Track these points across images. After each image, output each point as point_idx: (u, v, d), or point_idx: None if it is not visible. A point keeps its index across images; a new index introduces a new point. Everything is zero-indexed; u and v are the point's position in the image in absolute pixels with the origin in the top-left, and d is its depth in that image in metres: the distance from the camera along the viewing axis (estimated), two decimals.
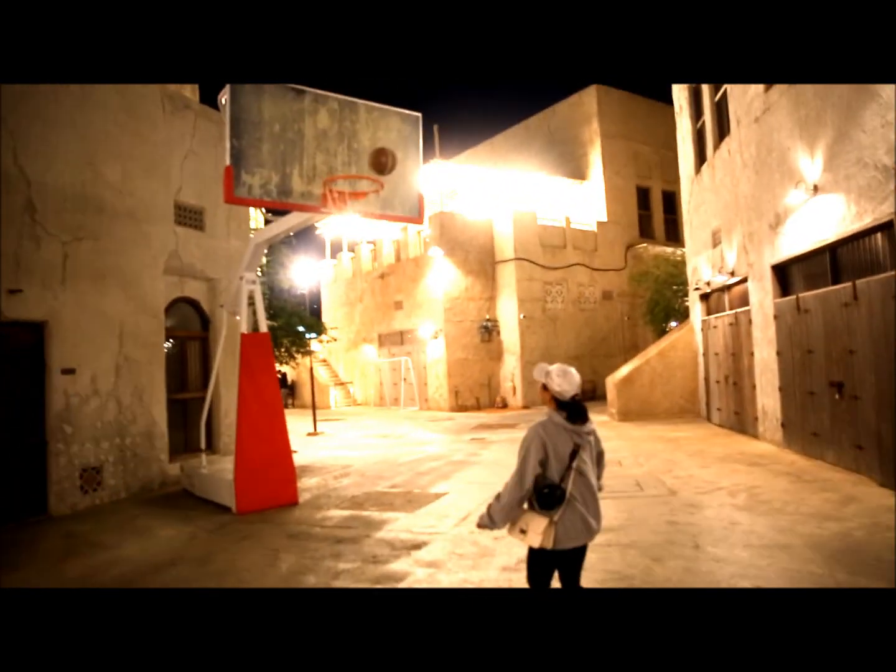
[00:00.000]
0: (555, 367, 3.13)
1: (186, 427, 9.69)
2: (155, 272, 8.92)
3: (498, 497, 3.11)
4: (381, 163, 4.92)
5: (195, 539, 6.24)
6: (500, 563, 5.00)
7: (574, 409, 3.07)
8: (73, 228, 7.69)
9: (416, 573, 4.90)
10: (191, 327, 10.12)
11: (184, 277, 9.63)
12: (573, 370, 3.13)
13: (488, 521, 3.14)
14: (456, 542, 5.67)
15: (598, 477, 3.31)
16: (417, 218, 6.58)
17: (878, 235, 6.73)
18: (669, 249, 23.02)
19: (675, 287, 18.68)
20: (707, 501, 6.55)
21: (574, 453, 3.00)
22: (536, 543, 2.99)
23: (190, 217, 9.67)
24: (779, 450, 9.18)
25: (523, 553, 5.18)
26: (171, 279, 9.37)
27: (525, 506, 3.11)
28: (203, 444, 8.46)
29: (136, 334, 8.51)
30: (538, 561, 3.14)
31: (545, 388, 3.12)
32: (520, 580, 4.59)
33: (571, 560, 3.14)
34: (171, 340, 9.61)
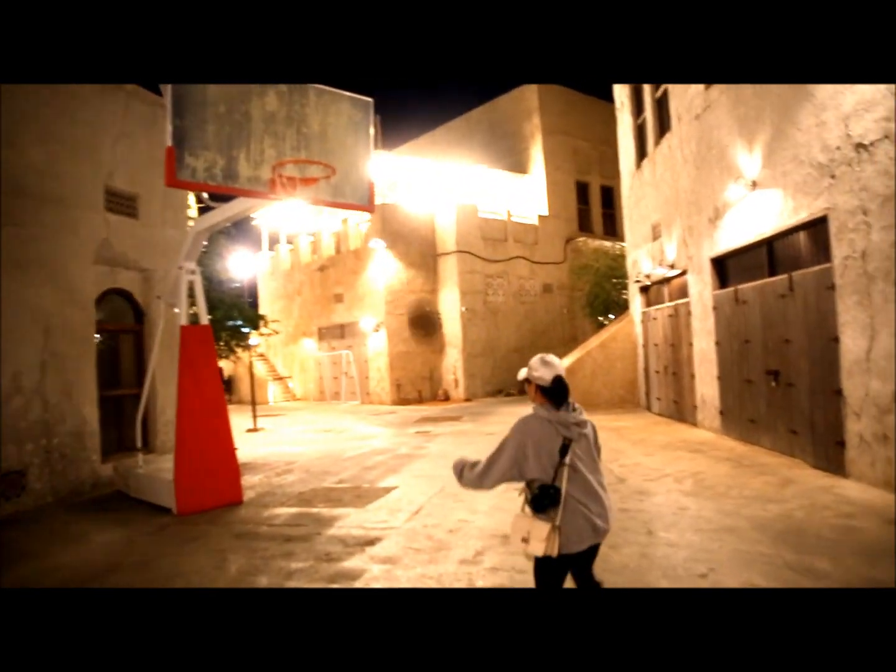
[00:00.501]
0: (534, 359, 3.01)
1: (121, 426, 9.19)
2: (84, 261, 8.40)
3: (473, 466, 2.99)
4: (430, 323, 4.48)
5: (134, 543, 5.91)
6: (457, 557, 4.94)
7: (557, 389, 2.89)
8: None
9: (371, 570, 4.78)
10: (124, 320, 9.59)
11: (116, 268, 9.10)
12: (552, 356, 3.01)
13: (458, 475, 3.05)
14: (410, 537, 5.58)
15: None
16: (368, 206, 6.42)
17: (813, 230, 7.02)
18: (608, 243, 23.56)
19: (614, 280, 19.13)
20: (655, 488, 6.69)
21: (565, 448, 2.80)
22: (540, 552, 2.75)
23: (122, 204, 9.14)
24: (717, 437, 9.51)
25: (480, 545, 5.16)
26: (102, 269, 8.84)
27: (526, 511, 2.90)
28: (139, 443, 8.04)
29: (63, 328, 7.99)
30: (545, 568, 2.90)
31: (529, 382, 2.98)
32: (479, 573, 4.55)
33: (582, 561, 2.94)
34: (102, 334, 9.08)
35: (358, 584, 4.47)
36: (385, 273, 20.50)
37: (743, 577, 4.14)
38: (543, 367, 2.94)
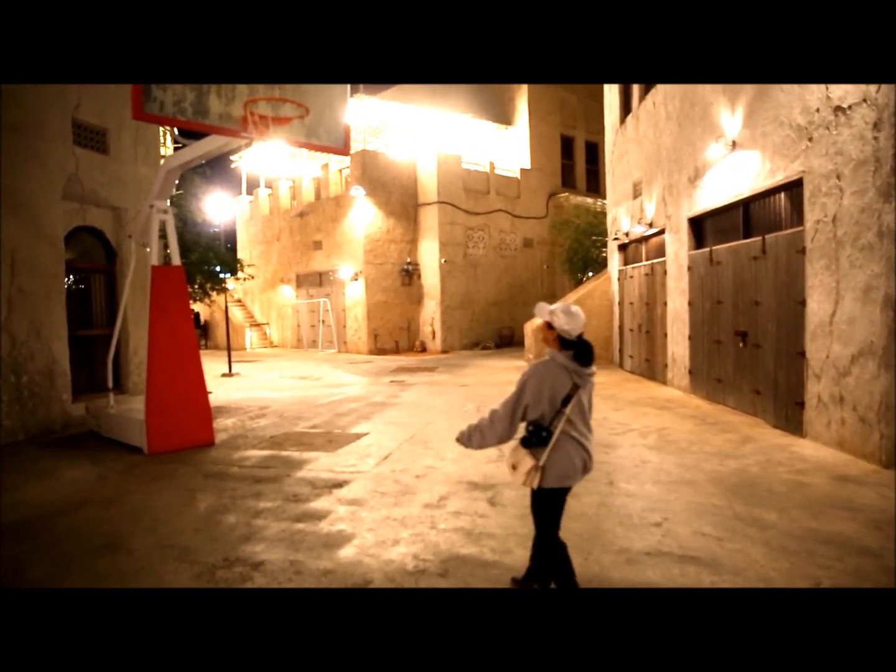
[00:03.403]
0: (558, 306, 3.01)
1: (92, 366, 9.13)
2: (51, 196, 8.17)
3: (491, 420, 3.06)
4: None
5: (104, 480, 5.95)
6: (422, 501, 5.07)
7: (583, 348, 2.97)
8: None
9: (337, 511, 4.89)
10: (95, 259, 9.43)
11: (86, 204, 8.89)
12: (577, 308, 3.02)
13: (465, 439, 3.16)
14: (377, 481, 5.69)
15: None
16: (343, 149, 6.29)
17: (789, 193, 7.05)
18: (590, 200, 23.43)
19: (594, 237, 19.10)
20: (620, 442, 6.86)
21: (569, 397, 2.93)
22: (520, 482, 3.01)
23: (91, 138, 8.87)
24: (685, 395, 9.72)
25: (445, 490, 5.29)
26: (72, 206, 8.63)
27: (515, 441, 3.09)
28: (110, 383, 8.01)
29: (30, 264, 7.82)
30: (539, 499, 3.12)
31: (549, 326, 3.01)
32: (441, 517, 4.67)
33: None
34: (73, 273, 8.92)
35: (323, 524, 4.58)
36: (365, 221, 20.26)
37: (694, 526, 4.31)
38: (570, 319, 2.95)
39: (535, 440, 2.95)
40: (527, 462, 2.96)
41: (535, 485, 2.97)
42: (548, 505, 3.10)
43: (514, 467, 3.03)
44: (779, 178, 6.96)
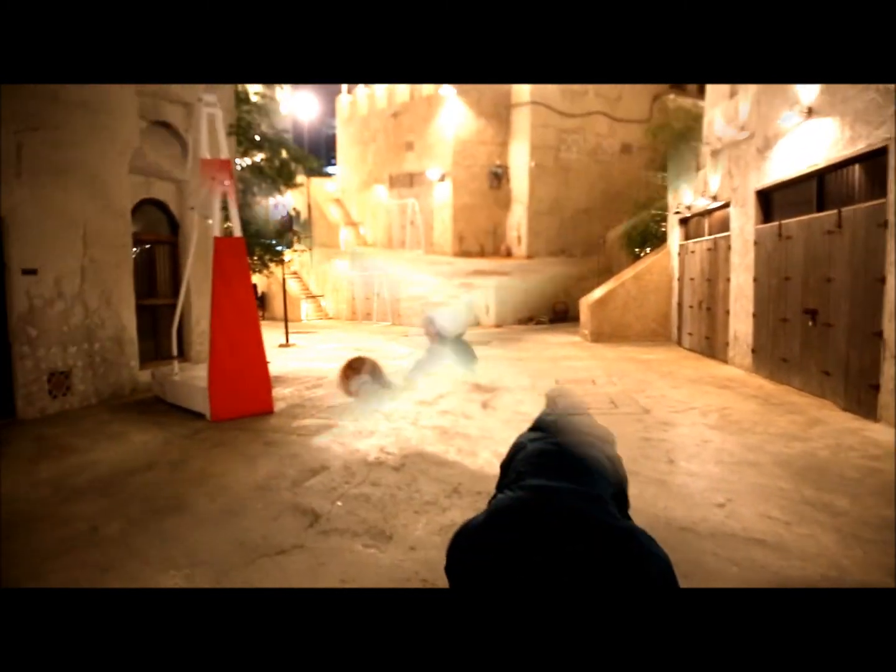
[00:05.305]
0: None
1: (156, 334, 9.44)
2: (120, 170, 8.40)
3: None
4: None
5: (170, 444, 6.18)
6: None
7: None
8: (24, 116, 7.06)
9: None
10: (159, 231, 9.68)
11: (150, 177, 9.11)
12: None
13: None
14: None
15: None
16: None
17: (870, 162, 6.63)
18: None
19: (653, 212, 18.23)
20: (679, 420, 6.69)
21: None
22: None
23: None
24: (747, 374, 9.40)
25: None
26: (137, 179, 8.86)
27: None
28: (175, 352, 8.27)
29: (101, 235, 8.10)
30: None
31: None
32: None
33: None
34: (139, 245, 9.20)
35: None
36: (454, 122, 19.74)
37: (760, 508, 4.18)
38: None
39: None
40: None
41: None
42: None
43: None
44: (860, 147, 6.55)
